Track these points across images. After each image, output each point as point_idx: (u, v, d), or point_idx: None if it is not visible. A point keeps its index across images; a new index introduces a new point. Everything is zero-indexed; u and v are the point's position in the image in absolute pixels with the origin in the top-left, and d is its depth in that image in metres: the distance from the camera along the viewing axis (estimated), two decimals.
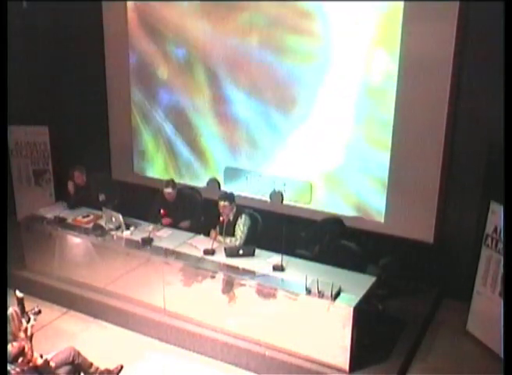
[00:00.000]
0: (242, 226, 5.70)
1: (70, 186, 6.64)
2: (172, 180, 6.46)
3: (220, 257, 5.51)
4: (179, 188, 6.47)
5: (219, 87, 6.85)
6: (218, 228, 5.80)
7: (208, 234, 5.83)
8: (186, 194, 6.53)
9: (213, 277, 5.37)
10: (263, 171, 6.82)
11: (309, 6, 6.06)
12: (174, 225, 6.19)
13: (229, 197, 5.81)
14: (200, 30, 6.75)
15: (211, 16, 6.63)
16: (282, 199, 6.70)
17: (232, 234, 5.73)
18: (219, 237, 5.73)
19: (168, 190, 6.26)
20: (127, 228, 6.05)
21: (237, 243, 5.66)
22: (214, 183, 7.08)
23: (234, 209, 5.77)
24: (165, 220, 6.18)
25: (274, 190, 6.75)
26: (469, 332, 5.56)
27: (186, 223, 6.24)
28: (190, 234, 5.97)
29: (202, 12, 6.67)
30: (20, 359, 4.13)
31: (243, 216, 5.73)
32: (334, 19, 5.99)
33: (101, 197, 6.62)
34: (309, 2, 6.05)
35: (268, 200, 6.78)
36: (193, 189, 6.74)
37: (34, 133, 7.86)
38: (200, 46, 6.83)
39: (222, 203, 5.73)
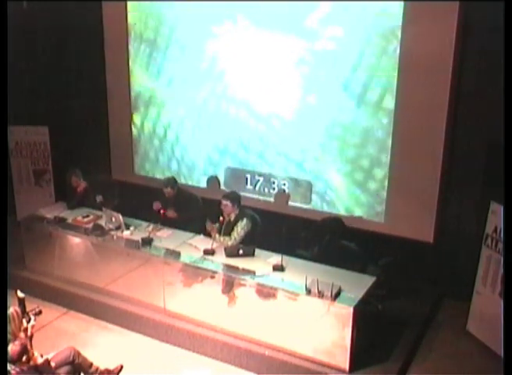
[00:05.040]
0: (239, 229, 5.67)
1: (74, 191, 6.70)
2: (172, 179, 6.51)
3: (220, 257, 5.52)
4: (179, 187, 6.48)
5: (220, 86, 6.86)
6: (217, 227, 5.79)
7: (206, 234, 5.83)
8: (186, 193, 6.54)
9: (213, 277, 5.38)
10: (263, 171, 6.82)
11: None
12: (173, 223, 6.20)
13: (233, 197, 5.80)
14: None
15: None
16: (288, 199, 6.67)
17: (230, 234, 5.72)
18: (216, 235, 5.72)
19: (167, 189, 6.31)
20: (127, 228, 6.05)
21: (230, 243, 5.65)
22: (214, 180, 7.07)
23: (237, 211, 5.76)
24: (171, 214, 6.19)
25: (279, 190, 6.73)
26: (469, 332, 5.56)
27: (172, 213, 6.23)
28: (190, 234, 5.98)
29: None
30: None
31: (245, 219, 5.70)
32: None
33: (99, 198, 6.62)
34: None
35: (271, 200, 6.78)
36: (192, 194, 6.70)
37: (34, 133, 7.85)
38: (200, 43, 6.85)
39: (224, 202, 5.73)
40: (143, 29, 7.22)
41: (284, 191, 6.70)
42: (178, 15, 6.91)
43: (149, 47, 7.24)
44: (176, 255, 5.64)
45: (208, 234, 5.81)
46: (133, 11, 7.21)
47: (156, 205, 6.28)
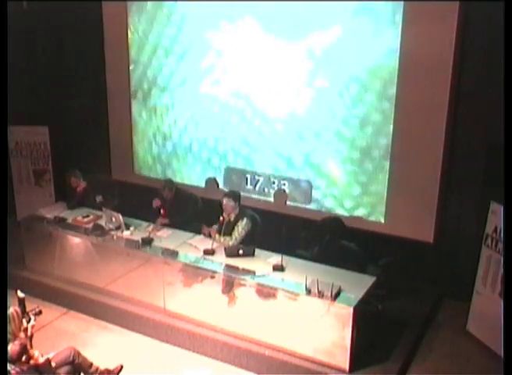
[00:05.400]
0: (240, 228, 5.67)
1: (74, 191, 6.73)
2: (169, 181, 6.52)
3: (220, 257, 5.52)
4: (178, 188, 6.48)
5: (220, 85, 6.85)
6: (217, 227, 5.80)
7: (201, 232, 5.87)
8: (185, 194, 6.53)
9: (213, 277, 5.38)
10: (263, 171, 6.82)
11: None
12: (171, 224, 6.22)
13: (234, 195, 5.80)
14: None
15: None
16: (287, 198, 6.67)
17: (230, 234, 5.73)
18: (217, 236, 5.73)
19: (165, 192, 6.33)
20: (127, 228, 6.05)
21: (231, 243, 5.65)
22: (212, 182, 7.08)
23: (237, 210, 5.76)
24: (162, 220, 6.20)
25: (278, 189, 6.73)
26: (469, 332, 5.56)
27: (165, 220, 6.24)
28: (190, 234, 5.98)
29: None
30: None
31: (245, 219, 5.70)
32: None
33: (98, 198, 6.63)
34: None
35: (271, 200, 6.78)
36: (195, 196, 6.69)
37: (34, 133, 7.85)
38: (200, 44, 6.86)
39: (225, 200, 5.72)
40: (144, 29, 7.23)
41: (284, 190, 6.70)
42: (179, 13, 6.91)
43: (150, 47, 7.25)
44: (176, 255, 5.64)
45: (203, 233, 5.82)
46: (134, 11, 7.22)
47: (156, 202, 6.29)
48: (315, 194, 6.55)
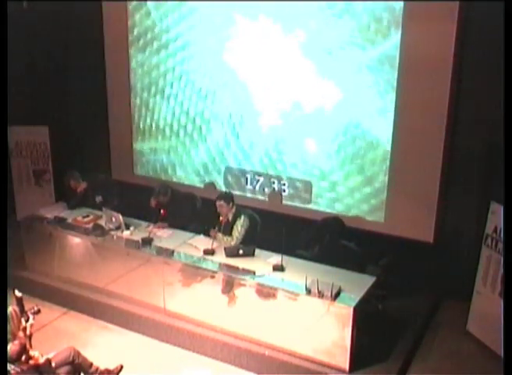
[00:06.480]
0: (239, 227, 5.69)
1: (74, 191, 6.73)
2: (163, 186, 6.39)
3: (220, 257, 5.52)
4: (175, 190, 6.45)
5: (220, 84, 6.85)
6: (217, 228, 5.80)
7: (207, 234, 5.84)
8: (181, 196, 6.49)
9: (213, 277, 5.38)
10: (263, 171, 6.82)
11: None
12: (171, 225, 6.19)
13: (226, 196, 5.82)
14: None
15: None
16: (282, 199, 6.69)
17: (230, 234, 5.73)
18: (219, 235, 5.73)
19: (160, 197, 6.24)
20: (127, 228, 6.05)
21: (233, 243, 5.66)
22: (210, 186, 7.08)
23: (233, 209, 5.77)
24: (162, 224, 6.17)
25: (273, 189, 6.75)
26: (469, 332, 5.56)
27: (164, 224, 6.19)
28: (190, 234, 5.98)
29: None
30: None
31: (242, 216, 5.73)
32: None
33: (98, 199, 6.63)
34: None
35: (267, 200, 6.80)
36: (193, 196, 6.67)
37: (34, 133, 7.85)
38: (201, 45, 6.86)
39: (218, 203, 5.74)
40: (143, 29, 7.23)
41: (278, 191, 6.69)
42: (182, 13, 6.91)
43: (149, 47, 7.25)
44: (176, 255, 5.64)
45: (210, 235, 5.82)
46: (135, 11, 7.23)
47: (153, 201, 6.26)
48: (315, 193, 6.54)
